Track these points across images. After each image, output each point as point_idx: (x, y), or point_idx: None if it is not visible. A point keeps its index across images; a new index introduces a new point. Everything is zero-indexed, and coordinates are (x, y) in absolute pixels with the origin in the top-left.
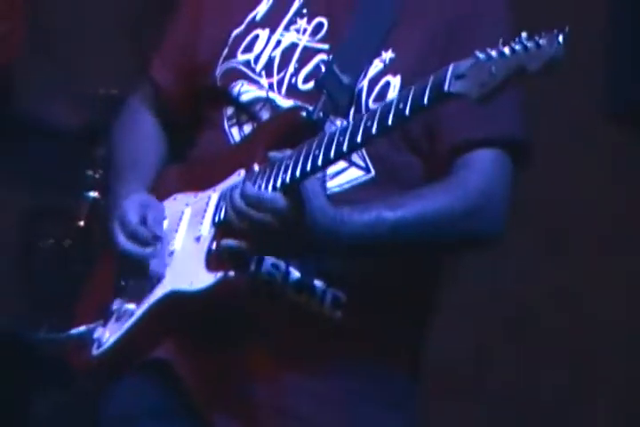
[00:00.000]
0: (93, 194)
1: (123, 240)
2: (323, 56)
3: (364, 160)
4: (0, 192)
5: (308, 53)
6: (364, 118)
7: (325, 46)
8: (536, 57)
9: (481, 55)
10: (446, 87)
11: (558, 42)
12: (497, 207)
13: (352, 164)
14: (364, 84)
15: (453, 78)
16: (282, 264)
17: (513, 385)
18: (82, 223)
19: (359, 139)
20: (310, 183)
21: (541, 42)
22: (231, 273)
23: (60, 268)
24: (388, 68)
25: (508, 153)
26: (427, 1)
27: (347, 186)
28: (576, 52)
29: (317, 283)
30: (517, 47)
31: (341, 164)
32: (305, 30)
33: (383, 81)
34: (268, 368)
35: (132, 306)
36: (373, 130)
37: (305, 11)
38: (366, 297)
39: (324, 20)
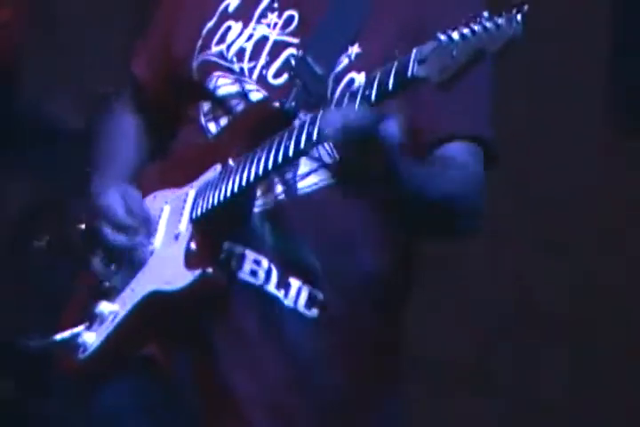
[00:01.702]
0: None
1: (109, 233)
2: (292, 50)
3: (334, 158)
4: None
5: (279, 47)
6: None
7: (295, 40)
8: (496, 37)
9: (442, 37)
10: (409, 72)
11: (517, 21)
12: (479, 198)
13: (322, 164)
14: (331, 79)
15: (416, 63)
16: (264, 261)
17: (516, 382)
18: (82, 226)
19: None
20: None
21: (500, 22)
22: (209, 270)
23: (55, 267)
24: (354, 64)
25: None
26: None
27: (316, 187)
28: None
29: (294, 281)
30: (477, 28)
31: (311, 164)
32: (275, 24)
33: (347, 77)
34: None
35: (115, 307)
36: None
37: (276, 4)
38: (345, 295)
39: (295, 13)
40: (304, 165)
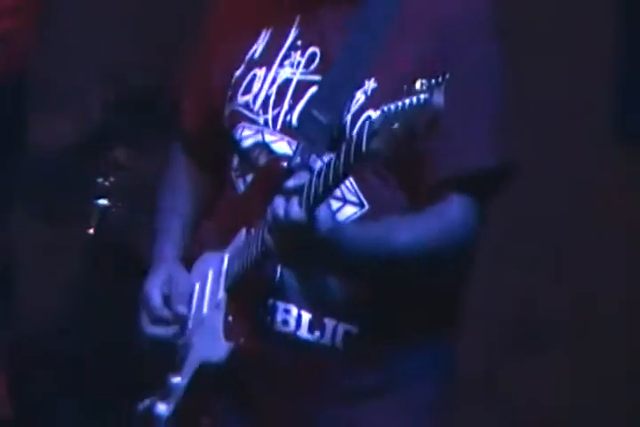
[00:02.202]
0: (104, 202)
1: (148, 326)
2: (315, 89)
3: (357, 196)
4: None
5: (302, 87)
6: (314, 177)
7: (318, 78)
8: (426, 110)
9: (386, 108)
10: (363, 147)
11: (439, 93)
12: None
13: (345, 201)
14: (348, 118)
15: (369, 136)
16: (293, 308)
17: (523, 390)
18: (92, 231)
19: (312, 201)
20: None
21: (426, 95)
22: (242, 340)
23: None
24: (370, 101)
25: (476, 189)
26: (414, 22)
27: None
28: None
29: (327, 321)
30: (413, 100)
31: (336, 203)
32: (299, 63)
33: (365, 115)
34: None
35: (177, 379)
36: (320, 190)
37: (299, 42)
38: (378, 326)
39: (317, 50)
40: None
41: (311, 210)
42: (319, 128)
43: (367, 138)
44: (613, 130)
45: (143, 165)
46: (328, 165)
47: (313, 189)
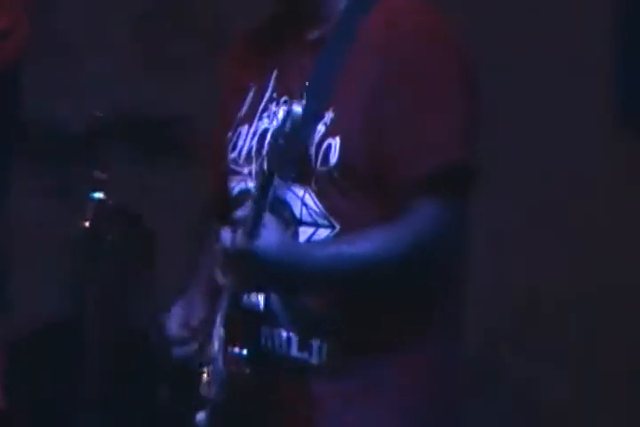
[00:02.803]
0: (99, 195)
1: (171, 350)
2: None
3: (326, 218)
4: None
5: None
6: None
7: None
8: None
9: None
10: (266, 170)
11: None
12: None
13: (317, 226)
14: (312, 149)
15: (269, 160)
16: (283, 332)
17: (523, 382)
18: (87, 224)
19: (249, 229)
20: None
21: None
22: (240, 365)
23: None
24: (330, 130)
25: (440, 190)
26: (366, 51)
27: None
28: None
29: (313, 341)
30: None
31: (308, 229)
32: (275, 113)
33: (325, 144)
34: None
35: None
36: (252, 219)
37: (275, 94)
38: (362, 340)
39: (287, 98)
40: (302, 233)
41: (251, 237)
42: (284, 161)
43: (268, 161)
44: (614, 116)
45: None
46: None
47: (250, 218)
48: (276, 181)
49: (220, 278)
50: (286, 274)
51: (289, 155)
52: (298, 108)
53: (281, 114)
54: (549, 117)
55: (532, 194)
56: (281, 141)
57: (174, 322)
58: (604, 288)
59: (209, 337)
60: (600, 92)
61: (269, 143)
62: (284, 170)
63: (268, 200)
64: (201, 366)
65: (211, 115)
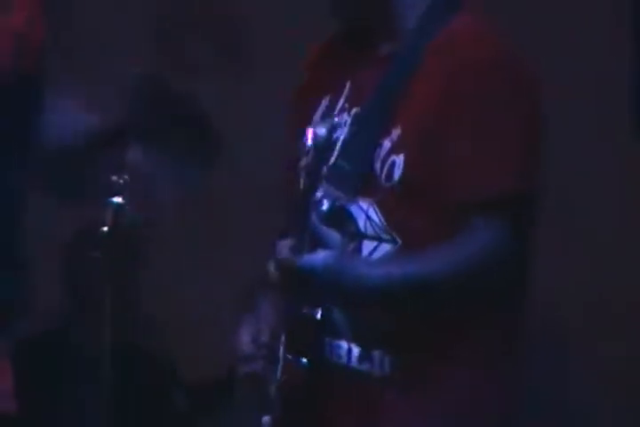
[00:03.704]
0: (117, 200)
1: (242, 366)
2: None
3: (389, 232)
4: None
5: None
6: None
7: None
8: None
9: None
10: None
11: None
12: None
13: (380, 240)
14: (378, 164)
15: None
16: (344, 343)
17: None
18: (105, 229)
19: (299, 244)
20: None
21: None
22: (299, 376)
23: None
24: (395, 147)
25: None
26: (432, 74)
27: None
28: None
29: (375, 353)
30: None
31: (371, 243)
32: (345, 122)
33: (390, 160)
34: None
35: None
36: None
37: (347, 105)
38: (423, 352)
39: (359, 109)
40: (365, 247)
41: (299, 249)
42: (347, 177)
43: (312, 170)
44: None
45: (157, 165)
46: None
47: (299, 230)
48: (340, 195)
49: (279, 288)
50: (339, 288)
51: (351, 168)
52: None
53: (349, 122)
54: (568, 126)
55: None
56: (327, 154)
57: (244, 338)
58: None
59: (274, 347)
60: (617, 101)
61: (315, 157)
62: (345, 183)
63: (310, 213)
64: (267, 377)
65: (229, 116)
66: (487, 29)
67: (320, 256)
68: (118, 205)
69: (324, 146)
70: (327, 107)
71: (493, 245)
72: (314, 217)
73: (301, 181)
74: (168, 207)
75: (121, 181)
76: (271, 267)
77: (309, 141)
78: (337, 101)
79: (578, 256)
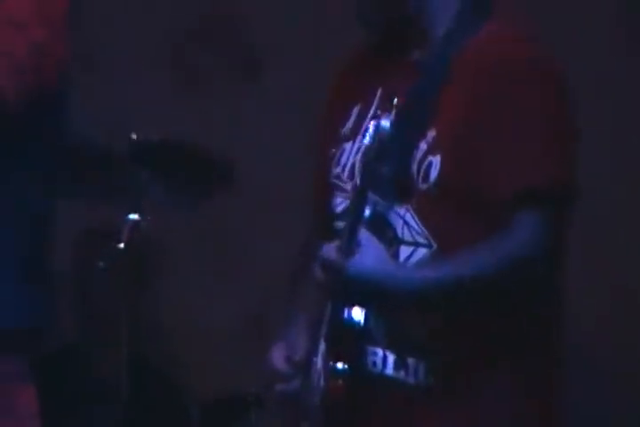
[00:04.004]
0: (134, 216)
1: (274, 385)
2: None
3: (425, 237)
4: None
5: None
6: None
7: None
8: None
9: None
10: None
11: None
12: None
13: (417, 245)
14: (414, 166)
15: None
16: (379, 350)
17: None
18: (122, 246)
19: (344, 245)
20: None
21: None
22: (340, 382)
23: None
24: (431, 148)
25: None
26: (465, 76)
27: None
28: None
29: (410, 360)
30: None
31: (408, 248)
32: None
33: (427, 161)
34: None
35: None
36: (347, 234)
37: (379, 112)
38: (459, 359)
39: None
40: (403, 252)
41: (346, 253)
42: (384, 180)
43: (361, 177)
44: None
45: (168, 184)
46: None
47: (346, 235)
48: (378, 200)
49: (320, 291)
50: (380, 292)
51: (388, 172)
52: (386, 123)
53: (371, 129)
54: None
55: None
56: (371, 157)
57: (278, 357)
58: None
59: (310, 360)
60: None
61: (362, 159)
62: (383, 187)
63: (362, 216)
64: (305, 392)
65: (247, 135)
66: (517, 33)
67: (368, 258)
68: (135, 221)
69: (379, 141)
70: (358, 115)
71: (530, 244)
72: (360, 221)
73: (341, 184)
74: (180, 224)
75: (138, 199)
76: (317, 269)
77: (366, 138)
78: (368, 109)
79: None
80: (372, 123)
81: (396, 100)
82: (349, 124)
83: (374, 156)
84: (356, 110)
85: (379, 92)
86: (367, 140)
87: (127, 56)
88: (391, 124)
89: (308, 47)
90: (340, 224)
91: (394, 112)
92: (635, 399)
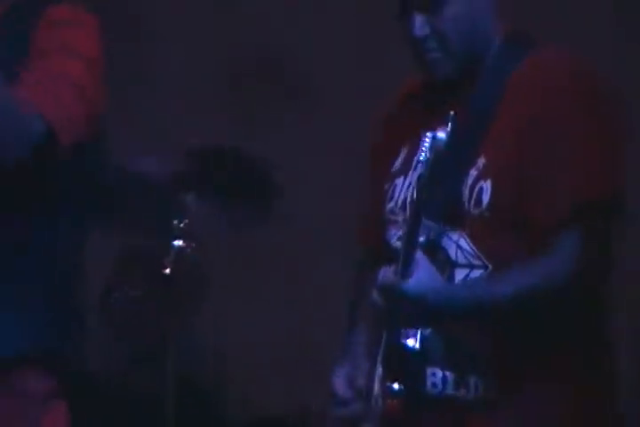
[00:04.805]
0: (179, 243)
1: (335, 411)
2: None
3: (480, 258)
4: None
5: None
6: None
7: None
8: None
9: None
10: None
11: None
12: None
13: (472, 267)
14: (466, 191)
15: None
16: (438, 371)
17: None
18: (167, 271)
19: (401, 268)
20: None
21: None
22: (396, 402)
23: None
24: (482, 174)
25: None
26: (514, 103)
27: None
28: None
29: (468, 377)
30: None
31: (463, 271)
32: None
33: (478, 187)
34: None
35: None
36: (403, 258)
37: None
38: (514, 374)
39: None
40: (458, 275)
41: (403, 276)
42: (437, 207)
43: (416, 201)
44: None
45: (210, 212)
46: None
47: (402, 258)
48: (431, 225)
49: (377, 316)
50: (437, 312)
51: (440, 198)
52: (442, 135)
53: (427, 143)
54: None
55: None
56: (426, 177)
57: (340, 382)
58: None
59: (370, 384)
60: None
61: (417, 182)
62: (440, 213)
63: (417, 240)
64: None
65: (296, 161)
66: (561, 57)
67: (424, 278)
68: (179, 247)
69: (436, 155)
70: (408, 152)
71: (583, 258)
72: (416, 244)
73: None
74: (225, 248)
75: (181, 225)
76: (374, 294)
77: (422, 154)
78: (417, 144)
79: None
80: (428, 135)
81: (452, 113)
82: (399, 161)
83: (427, 181)
84: (405, 148)
85: (427, 131)
86: (422, 155)
87: (185, 85)
88: (447, 135)
89: (361, 80)
90: (396, 253)
91: (450, 124)
92: None
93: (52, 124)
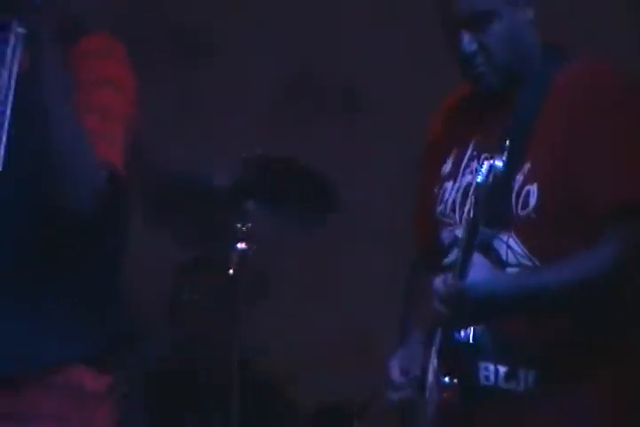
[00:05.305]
0: (241, 246)
1: (389, 395)
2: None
3: (529, 258)
4: (157, 247)
5: None
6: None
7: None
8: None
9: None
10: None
11: None
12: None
13: (522, 266)
14: (513, 196)
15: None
16: (490, 365)
17: None
18: (231, 272)
19: (458, 272)
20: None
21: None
22: (451, 395)
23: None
24: (527, 179)
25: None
26: (557, 110)
27: None
28: None
29: (519, 370)
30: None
31: (514, 270)
32: (476, 169)
33: (524, 190)
34: None
35: None
36: (460, 262)
37: (475, 152)
38: (563, 365)
39: (488, 154)
40: None
41: (461, 278)
42: (489, 211)
43: (474, 211)
44: None
45: (269, 219)
46: (462, 238)
47: (459, 261)
48: (482, 229)
49: (433, 317)
50: (495, 307)
51: (493, 204)
52: (499, 163)
53: (484, 168)
54: None
55: None
56: (484, 192)
57: (395, 370)
58: None
59: (424, 371)
60: None
61: (475, 195)
62: (490, 218)
63: (475, 245)
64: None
65: (351, 171)
66: (601, 63)
67: (481, 273)
68: (242, 250)
69: (466, 193)
70: (456, 157)
71: (628, 251)
72: (473, 251)
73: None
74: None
75: (244, 228)
76: (434, 304)
77: (479, 177)
78: (465, 150)
79: None
80: (487, 163)
81: (507, 142)
82: (448, 165)
83: (486, 194)
84: (454, 153)
85: (475, 134)
86: (480, 178)
87: (234, 98)
88: (504, 163)
89: (406, 90)
90: (449, 255)
91: (505, 153)
92: None
93: (112, 167)
